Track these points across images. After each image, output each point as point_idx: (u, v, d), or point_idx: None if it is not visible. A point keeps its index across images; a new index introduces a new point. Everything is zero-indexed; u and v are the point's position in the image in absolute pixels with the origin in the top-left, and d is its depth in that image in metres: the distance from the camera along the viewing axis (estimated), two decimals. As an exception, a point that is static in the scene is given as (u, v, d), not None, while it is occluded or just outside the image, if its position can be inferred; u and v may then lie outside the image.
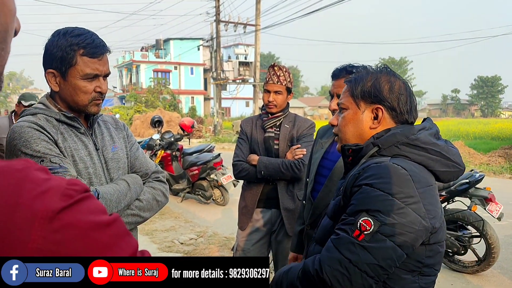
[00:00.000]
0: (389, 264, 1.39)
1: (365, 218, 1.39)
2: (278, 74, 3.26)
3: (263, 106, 3.42)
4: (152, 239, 6.55)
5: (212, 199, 8.86)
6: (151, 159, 9.12)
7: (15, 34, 0.67)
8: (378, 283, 1.42)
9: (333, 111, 2.42)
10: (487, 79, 78.47)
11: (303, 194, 2.80)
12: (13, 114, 4.89)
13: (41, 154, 1.68)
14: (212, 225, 7.38)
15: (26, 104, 4.70)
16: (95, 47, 1.79)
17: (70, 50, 1.75)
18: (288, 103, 3.39)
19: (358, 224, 1.39)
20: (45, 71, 1.82)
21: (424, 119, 1.69)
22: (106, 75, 1.88)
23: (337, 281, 1.40)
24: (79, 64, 1.76)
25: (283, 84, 3.26)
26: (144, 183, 2.08)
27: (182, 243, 6.37)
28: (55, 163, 1.68)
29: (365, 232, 1.38)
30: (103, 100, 1.91)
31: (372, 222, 1.37)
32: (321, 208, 2.45)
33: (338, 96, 2.36)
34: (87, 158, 1.86)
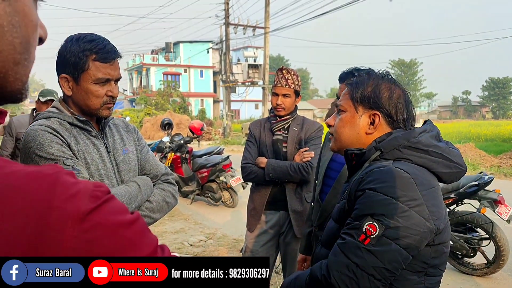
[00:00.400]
0: (395, 266, 1.41)
1: (370, 222, 1.41)
2: (286, 77, 3.27)
3: (271, 108, 3.42)
4: (162, 240, 6.57)
5: (221, 201, 8.88)
6: (161, 161, 9.17)
7: (42, 42, 0.70)
8: (385, 285, 1.44)
9: None
10: (498, 80, 77.71)
11: (312, 196, 2.81)
12: (34, 111, 4.95)
13: (54, 156, 1.72)
14: (221, 227, 7.41)
15: (43, 100, 4.73)
16: (106, 52, 1.83)
17: (83, 56, 1.79)
18: (296, 106, 3.41)
19: (364, 228, 1.42)
20: (58, 76, 1.86)
21: (425, 122, 1.72)
22: (117, 80, 1.92)
23: (345, 285, 1.43)
24: (91, 69, 1.81)
25: (291, 87, 3.26)
26: (154, 185, 2.12)
27: (191, 245, 6.39)
28: (68, 165, 1.72)
29: (371, 236, 1.40)
30: (114, 103, 1.96)
31: (377, 226, 1.40)
32: (329, 210, 2.47)
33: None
34: (99, 160, 1.90)
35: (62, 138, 1.78)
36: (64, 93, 1.90)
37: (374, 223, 1.40)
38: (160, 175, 2.18)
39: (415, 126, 1.68)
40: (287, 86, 3.26)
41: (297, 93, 3.33)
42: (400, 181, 1.43)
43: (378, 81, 1.66)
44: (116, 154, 2.01)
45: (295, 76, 3.30)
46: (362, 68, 2.37)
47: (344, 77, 2.47)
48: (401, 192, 1.41)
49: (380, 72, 1.72)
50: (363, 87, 1.66)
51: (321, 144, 3.12)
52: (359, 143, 1.66)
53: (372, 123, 1.64)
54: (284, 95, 3.28)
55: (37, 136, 1.74)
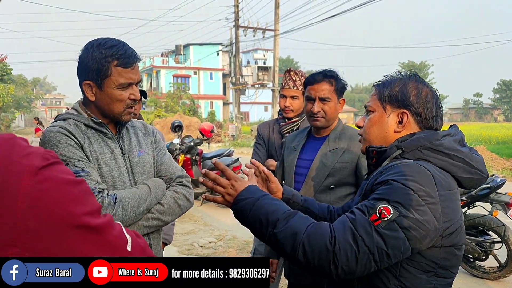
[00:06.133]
0: (395, 254, 1.41)
1: (385, 205, 1.41)
2: (294, 79, 3.25)
3: (280, 110, 3.40)
4: (172, 242, 6.57)
5: (231, 203, 8.85)
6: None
7: None
8: (377, 269, 1.42)
9: (316, 113, 2.59)
10: (510, 83, 76.85)
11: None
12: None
13: (66, 158, 1.76)
14: (231, 228, 7.42)
15: None
16: (127, 57, 1.87)
17: (105, 62, 1.83)
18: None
19: (378, 208, 1.41)
20: (81, 82, 1.90)
21: (451, 126, 1.71)
22: (138, 82, 1.96)
23: (345, 254, 1.38)
24: (114, 74, 1.85)
25: (299, 88, 3.24)
26: (168, 187, 2.13)
27: (201, 246, 6.40)
28: (78, 167, 1.76)
29: (384, 218, 1.40)
30: (135, 106, 2.00)
31: (391, 211, 1.40)
32: None
33: (320, 99, 2.57)
34: (112, 162, 1.93)
35: (75, 140, 1.83)
36: (84, 97, 1.94)
37: (389, 207, 1.40)
38: (174, 177, 2.19)
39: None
40: (295, 88, 3.24)
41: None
42: (421, 176, 1.44)
43: (405, 81, 1.67)
44: (131, 156, 2.03)
45: (303, 78, 3.26)
46: (332, 69, 2.61)
47: (317, 79, 2.60)
48: (420, 187, 1.41)
49: (408, 72, 1.73)
50: (390, 87, 1.67)
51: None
52: (387, 142, 1.67)
53: (401, 121, 1.65)
54: (292, 97, 3.25)
55: (52, 137, 1.80)
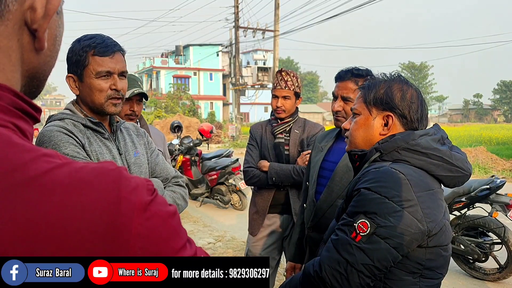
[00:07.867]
0: (384, 264, 1.44)
1: (362, 220, 1.45)
2: (285, 79, 3.24)
3: (272, 111, 3.40)
4: (171, 243, 6.58)
5: (231, 203, 8.89)
6: (171, 163, 9.19)
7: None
8: (374, 281, 1.48)
9: (336, 112, 2.46)
10: (510, 83, 76.97)
11: (302, 199, 2.77)
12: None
13: (69, 157, 1.72)
14: (230, 229, 7.41)
15: (128, 96, 4.06)
16: (105, 46, 1.86)
17: (83, 52, 1.84)
18: (297, 108, 3.38)
19: (356, 225, 1.45)
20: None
21: (433, 125, 1.72)
22: (121, 73, 1.93)
23: (336, 281, 1.47)
24: (91, 63, 1.84)
25: (291, 89, 3.24)
26: (164, 188, 2.14)
27: (200, 247, 6.39)
28: None
29: (362, 234, 1.44)
30: (122, 100, 1.96)
31: (368, 224, 1.43)
32: (324, 210, 2.41)
33: (343, 98, 2.42)
34: None
35: (76, 139, 1.81)
36: (76, 95, 1.94)
37: (366, 221, 1.43)
38: (170, 177, 2.20)
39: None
40: (286, 88, 3.23)
41: (297, 95, 3.30)
42: (395, 181, 1.45)
43: (390, 83, 1.67)
44: (128, 156, 2.03)
45: (294, 78, 3.27)
46: (361, 67, 2.41)
47: (343, 76, 2.45)
48: (395, 192, 1.43)
49: (392, 73, 1.73)
50: (375, 90, 1.67)
51: (312, 146, 3.05)
52: (372, 144, 1.67)
53: (386, 124, 1.65)
54: (284, 97, 3.25)
55: (52, 136, 1.77)
